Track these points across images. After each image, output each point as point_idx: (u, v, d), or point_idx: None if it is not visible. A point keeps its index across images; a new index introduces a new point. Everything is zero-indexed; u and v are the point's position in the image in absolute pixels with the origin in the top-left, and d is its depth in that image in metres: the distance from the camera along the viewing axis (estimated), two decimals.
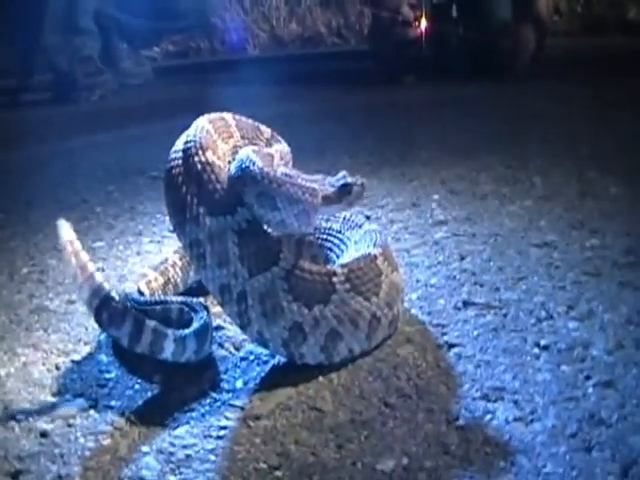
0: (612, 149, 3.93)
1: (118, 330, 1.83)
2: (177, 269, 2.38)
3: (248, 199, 1.89)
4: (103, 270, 2.68)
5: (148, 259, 2.78)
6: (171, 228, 2.90)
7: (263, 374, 1.91)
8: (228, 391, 1.84)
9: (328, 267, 2.00)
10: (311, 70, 8.80)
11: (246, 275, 1.85)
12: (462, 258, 2.56)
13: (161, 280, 2.33)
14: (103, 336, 2.14)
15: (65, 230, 1.79)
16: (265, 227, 1.92)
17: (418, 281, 2.38)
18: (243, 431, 1.68)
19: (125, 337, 1.83)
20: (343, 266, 1.93)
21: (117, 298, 1.84)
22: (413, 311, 2.17)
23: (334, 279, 1.88)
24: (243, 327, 1.88)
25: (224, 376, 1.91)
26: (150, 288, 2.26)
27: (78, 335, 2.19)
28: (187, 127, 2.11)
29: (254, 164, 1.91)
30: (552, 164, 3.70)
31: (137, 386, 1.89)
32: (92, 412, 1.81)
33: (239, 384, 1.86)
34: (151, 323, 1.84)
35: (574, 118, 4.85)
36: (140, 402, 1.83)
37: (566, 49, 8.77)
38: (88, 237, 3.05)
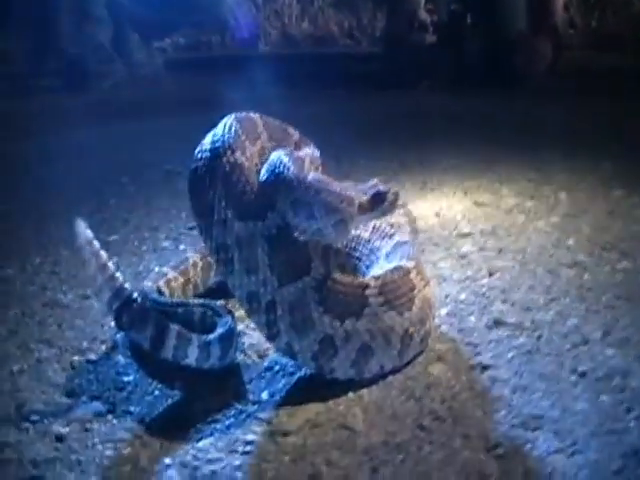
0: (636, 166, 3.84)
1: (140, 334, 1.74)
2: (198, 269, 2.30)
3: (281, 206, 1.81)
4: (118, 267, 2.58)
5: (165, 256, 2.70)
6: (189, 225, 2.85)
7: (290, 387, 1.82)
8: (254, 403, 1.76)
9: (360, 279, 1.91)
10: (323, 70, 8.70)
11: (275, 284, 1.77)
12: (491, 274, 2.48)
13: (181, 280, 2.25)
14: (119, 335, 2.04)
15: (82, 230, 1.71)
16: (297, 235, 1.82)
17: (447, 296, 2.30)
18: (270, 447, 1.60)
19: (147, 341, 1.75)
20: (376, 278, 1.85)
21: (139, 300, 1.75)
22: (443, 328, 2.08)
23: (367, 292, 1.80)
24: (271, 337, 1.80)
25: (249, 386, 1.83)
26: (170, 288, 2.19)
27: (93, 333, 2.11)
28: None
29: (288, 169, 1.83)
30: (575, 179, 3.61)
31: (157, 392, 1.81)
32: (110, 417, 1.72)
33: (265, 396, 1.78)
34: (175, 327, 1.75)
35: (594, 132, 4.76)
36: (161, 409, 1.75)
37: (581, 62, 8.69)
38: (102, 231, 2.95)
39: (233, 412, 1.72)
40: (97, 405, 1.75)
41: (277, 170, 1.83)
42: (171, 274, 2.23)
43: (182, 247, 2.79)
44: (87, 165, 4.17)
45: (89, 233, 1.71)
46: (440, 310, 2.18)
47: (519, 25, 7.65)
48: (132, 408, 1.74)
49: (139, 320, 1.73)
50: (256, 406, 1.74)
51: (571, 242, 2.77)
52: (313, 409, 1.71)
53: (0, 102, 6.27)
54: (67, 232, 2.87)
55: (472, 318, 2.15)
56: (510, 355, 1.94)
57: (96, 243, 1.71)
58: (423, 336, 1.91)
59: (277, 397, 1.76)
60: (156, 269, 2.53)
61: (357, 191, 1.90)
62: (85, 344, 2.04)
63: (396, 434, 1.64)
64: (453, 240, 2.84)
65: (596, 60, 9.12)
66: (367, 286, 1.80)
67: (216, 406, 1.74)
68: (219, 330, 1.86)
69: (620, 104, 5.54)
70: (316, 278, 1.76)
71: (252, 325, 1.99)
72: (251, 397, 1.77)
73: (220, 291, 2.20)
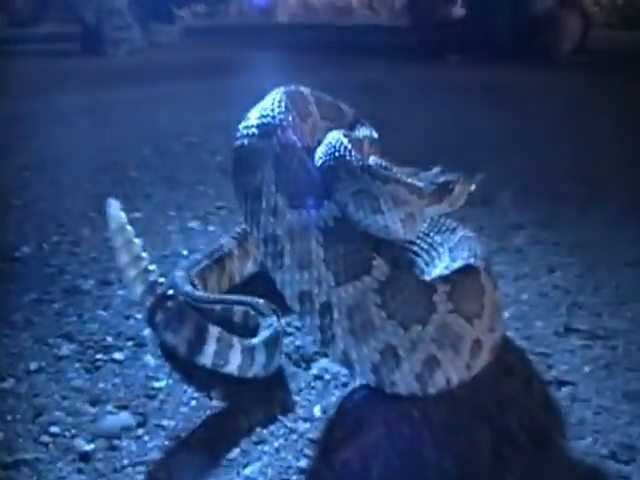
0: None
1: (176, 336, 1.53)
2: (234, 258, 2.07)
3: (341, 196, 1.58)
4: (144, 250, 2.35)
5: (193, 238, 2.48)
6: (217, 204, 2.62)
7: (344, 400, 1.60)
8: (305, 420, 1.54)
9: (426, 279, 1.68)
10: (343, 41, 8.49)
11: (332, 282, 1.54)
12: (551, 271, 2.26)
13: (216, 270, 2.02)
14: (148, 330, 1.82)
15: (115, 212, 1.48)
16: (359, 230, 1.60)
17: (507, 295, 2.08)
18: (329, 477, 1.37)
19: (184, 345, 1.53)
20: (444, 280, 1.62)
21: (176, 297, 1.53)
22: (509, 334, 1.85)
23: (435, 297, 1.56)
24: (325, 344, 1.57)
25: (297, 398, 1.61)
26: (203, 279, 1.95)
27: (118, 326, 1.89)
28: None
29: (349, 153, 1.60)
30: (629, 165, 3.38)
31: (193, 402, 1.59)
32: (140, 432, 1.50)
33: (317, 411, 1.56)
34: (215, 330, 1.53)
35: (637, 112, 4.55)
36: (199, 423, 1.53)
37: (607, 41, 8.47)
38: (123, 206, 2.72)
39: (282, 431, 1.50)
40: (125, 416, 1.53)
41: (337, 154, 1.60)
42: (204, 262, 1.99)
43: (211, 228, 2.57)
44: (103, 132, 3.94)
45: (123, 217, 1.49)
46: (502, 313, 1.95)
47: (547, 1, 7.51)
48: (165, 422, 1.52)
49: (176, 320, 1.51)
50: (308, 424, 1.52)
51: (630, 234, 2.56)
52: (374, 430, 1.49)
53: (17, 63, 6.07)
54: (86, 206, 2.69)
55: (539, 323, 1.93)
56: (587, 369, 1.72)
57: (130, 229, 1.49)
58: (492, 345, 1.68)
59: (331, 413, 1.54)
60: (184, 252, 2.31)
61: (421, 180, 1.68)
62: (109, 340, 1.82)
63: (472, 463, 1.42)
64: (504, 230, 2.62)
65: (623, 39, 8.89)
66: (435, 290, 1.57)
67: (262, 422, 1.52)
68: (263, 333, 1.65)
69: None
70: (378, 279, 1.53)
71: (296, 323, 1.76)
72: (301, 412, 1.56)
73: (258, 284, 1.97)
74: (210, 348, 1.53)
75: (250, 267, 2.11)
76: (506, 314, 1.96)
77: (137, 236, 2.33)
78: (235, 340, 1.56)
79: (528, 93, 5.18)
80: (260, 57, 6.85)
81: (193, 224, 2.62)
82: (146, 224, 2.61)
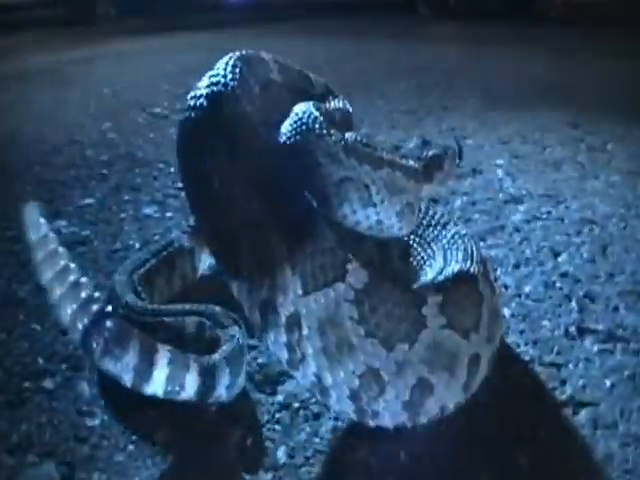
0: None
1: (117, 364, 1.22)
2: (185, 254, 1.77)
3: (319, 187, 1.28)
4: (92, 241, 2.05)
5: (148, 227, 2.18)
6: (178, 185, 2.32)
7: (318, 439, 1.30)
8: (267, 469, 1.23)
9: (414, 288, 1.38)
10: None
11: (299, 291, 1.22)
12: (556, 255, 1.96)
13: (165, 270, 1.71)
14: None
15: (34, 220, 1.17)
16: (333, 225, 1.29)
17: (507, 287, 1.79)
18: None
19: (128, 374, 1.22)
20: (436, 290, 1.31)
21: (115, 314, 1.22)
22: (512, 337, 1.56)
23: (424, 310, 1.26)
24: (293, 365, 1.27)
25: (258, 438, 1.29)
26: (149, 282, 1.65)
27: (52, 345, 1.59)
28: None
29: (328, 131, 1.30)
30: (626, 128, 3.08)
31: (132, 447, 1.28)
32: None
33: (281, 455, 1.26)
34: (165, 350, 1.23)
35: (626, 72, 4.27)
36: (134, 477, 1.22)
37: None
38: (75, 192, 2.42)
39: None
40: (48, 469, 1.22)
41: (309, 131, 1.29)
42: (151, 262, 1.69)
43: (169, 214, 2.25)
44: (63, 104, 3.61)
45: (43, 224, 1.19)
46: (502, 312, 1.66)
47: None
48: (95, 475, 1.21)
49: (116, 344, 1.20)
50: (270, 475, 1.21)
51: None
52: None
53: None
54: (35, 194, 2.38)
55: (546, 323, 1.65)
56: (609, 383, 1.44)
57: (52, 236, 1.22)
58: (490, 357, 1.38)
59: (299, 459, 1.25)
60: (137, 245, 2.01)
61: (407, 156, 1.38)
62: (41, 362, 1.52)
63: None
64: (500, 205, 2.32)
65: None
66: (424, 301, 1.26)
67: (214, 474, 1.21)
68: (224, 348, 1.34)
69: None
70: (354, 286, 1.23)
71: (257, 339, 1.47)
72: (266, 460, 1.25)
73: (216, 281, 1.66)
74: (161, 374, 1.22)
75: (207, 261, 1.80)
76: (506, 312, 1.68)
77: (86, 227, 2.05)
78: (191, 360, 1.25)
79: (510, 49, 4.89)
80: (225, 14, 6.55)
81: (149, 210, 2.31)
82: (97, 211, 2.31)
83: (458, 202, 2.31)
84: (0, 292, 1.83)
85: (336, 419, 1.33)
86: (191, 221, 1.82)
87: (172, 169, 2.67)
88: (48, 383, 1.47)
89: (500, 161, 2.71)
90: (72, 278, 1.21)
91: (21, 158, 2.82)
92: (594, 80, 4.08)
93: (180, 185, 2.44)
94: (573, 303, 1.73)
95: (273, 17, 6.67)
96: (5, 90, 3.98)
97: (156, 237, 2.05)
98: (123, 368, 1.23)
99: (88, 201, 2.39)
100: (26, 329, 1.66)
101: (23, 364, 1.53)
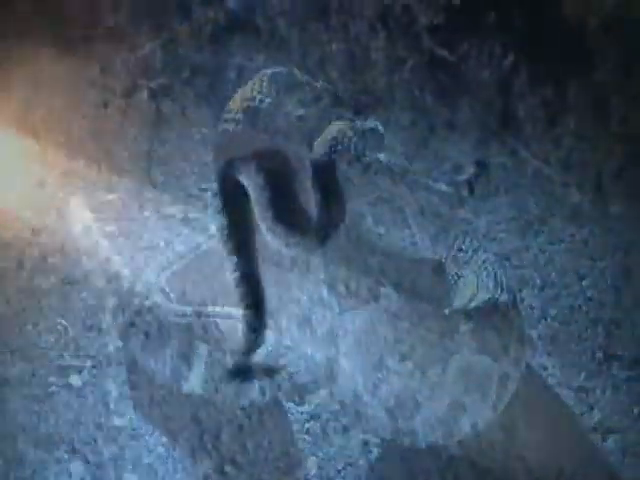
0: None
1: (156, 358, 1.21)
2: None
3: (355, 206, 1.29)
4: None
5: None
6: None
7: (349, 452, 1.28)
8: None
9: (446, 312, 1.38)
10: None
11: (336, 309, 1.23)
12: (581, 278, 1.94)
13: None
14: (112, 347, 1.51)
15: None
16: None
17: (533, 309, 1.77)
18: None
19: (166, 370, 1.22)
20: (467, 316, 1.31)
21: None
22: (538, 359, 1.55)
23: (456, 337, 1.25)
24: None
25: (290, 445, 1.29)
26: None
27: (78, 339, 1.59)
28: None
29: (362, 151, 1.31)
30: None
31: (161, 449, 1.27)
32: None
33: (312, 467, 1.25)
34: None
35: None
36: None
37: None
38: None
39: None
40: (76, 467, 1.22)
41: (343, 151, 1.30)
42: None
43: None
44: None
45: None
46: (529, 330, 1.66)
47: None
48: (126, 477, 1.20)
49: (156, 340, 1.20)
50: None
51: None
52: None
53: None
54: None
55: (573, 346, 1.62)
56: (636, 410, 1.42)
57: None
58: (517, 375, 1.38)
59: (331, 471, 1.22)
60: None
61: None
62: (67, 357, 1.51)
63: None
64: (524, 226, 2.30)
65: None
66: (457, 328, 1.26)
67: None
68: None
69: None
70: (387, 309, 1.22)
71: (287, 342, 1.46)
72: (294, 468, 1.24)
73: None
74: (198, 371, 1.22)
75: None
76: (534, 334, 1.66)
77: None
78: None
79: None
80: None
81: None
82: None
83: (482, 222, 2.30)
84: (24, 284, 1.81)
85: (366, 432, 1.32)
86: None
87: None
88: (74, 380, 1.46)
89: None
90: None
91: None
92: None
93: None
94: (599, 328, 1.72)
95: None
96: None
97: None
98: (161, 364, 1.22)
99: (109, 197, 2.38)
100: (52, 322, 1.65)
101: (49, 358, 1.52)
